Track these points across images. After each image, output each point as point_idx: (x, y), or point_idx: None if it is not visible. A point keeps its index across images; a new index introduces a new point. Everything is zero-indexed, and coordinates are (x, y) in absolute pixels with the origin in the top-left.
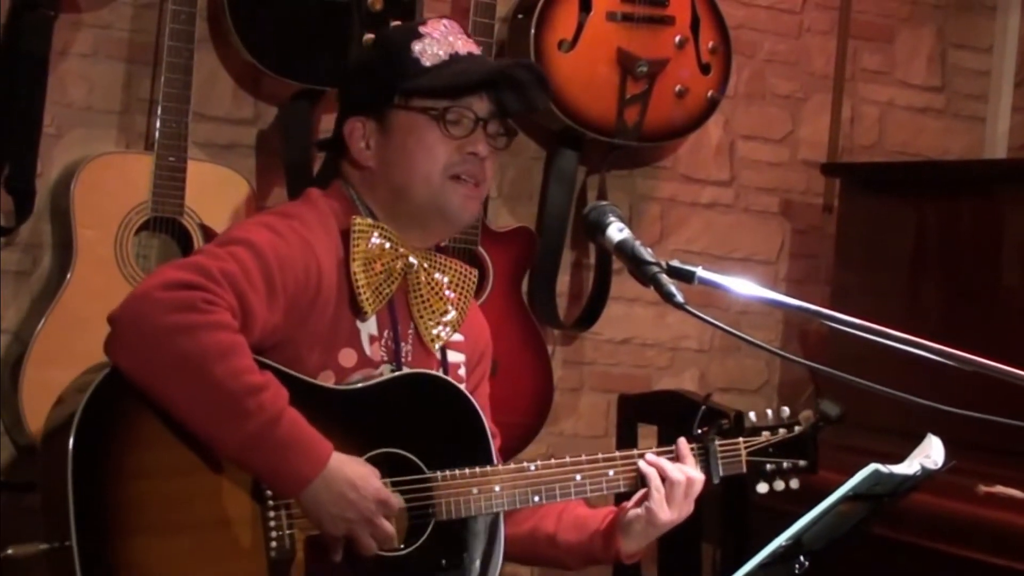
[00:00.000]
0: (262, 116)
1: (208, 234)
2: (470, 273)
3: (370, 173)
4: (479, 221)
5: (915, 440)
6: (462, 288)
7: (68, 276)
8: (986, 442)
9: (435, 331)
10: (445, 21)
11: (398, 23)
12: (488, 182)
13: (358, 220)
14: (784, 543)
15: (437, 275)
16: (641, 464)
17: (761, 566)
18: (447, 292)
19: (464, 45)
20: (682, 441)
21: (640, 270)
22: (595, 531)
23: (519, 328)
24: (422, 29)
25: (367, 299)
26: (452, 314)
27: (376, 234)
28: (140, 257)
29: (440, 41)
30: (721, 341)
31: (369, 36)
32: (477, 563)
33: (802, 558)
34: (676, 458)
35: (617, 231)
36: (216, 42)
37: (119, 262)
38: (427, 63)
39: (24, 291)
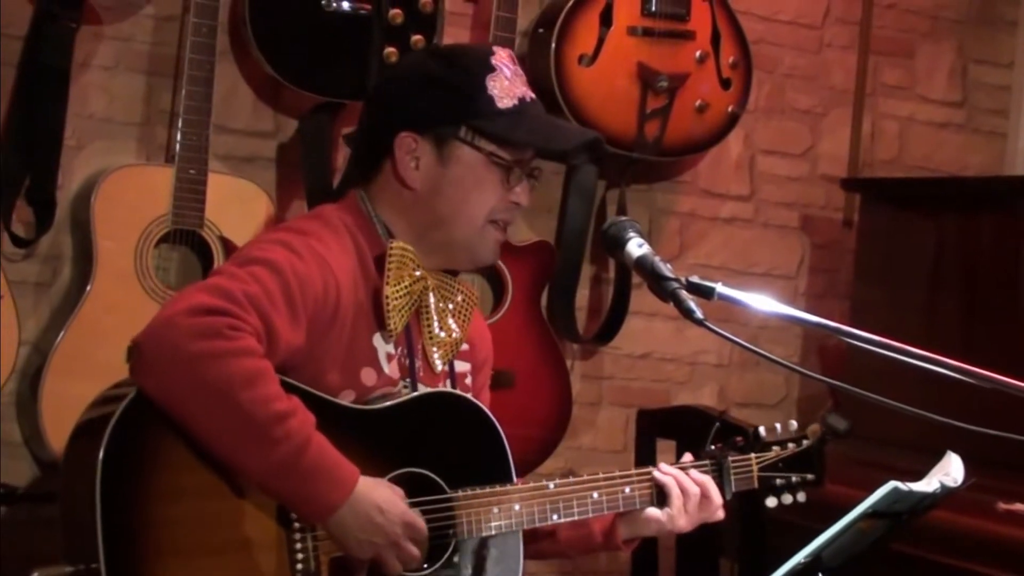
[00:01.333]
0: (282, 129)
1: (228, 247)
2: (473, 296)
3: (410, 194)
4: None
5: (935, 455)
6: (465, 315)
7: (88, 288)
8: (1006, 459)
9: (437, 353)
10: (508, 54)
11: (471, 44)
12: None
13: (396, 244)
14: (803, 560)
15: (446, 299)
16: (656, 474)
17: None
18: (450, 320)
19: (524, 87)
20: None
21: (659, 286)
22: (597, 526)
23: (538, 342)
24: (494, 61)
25: (395, 321)
26: (456, 335)
27: (409, 258)
28: (160, 269)
29: (512, 82)
30: (740, 356)
31: (391, 49)
32: None
33: (820, 575)
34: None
35: (637, 247)
36: (237, 55)
37: (139, 274)
38: (500, 106)
39: (44, 303)
